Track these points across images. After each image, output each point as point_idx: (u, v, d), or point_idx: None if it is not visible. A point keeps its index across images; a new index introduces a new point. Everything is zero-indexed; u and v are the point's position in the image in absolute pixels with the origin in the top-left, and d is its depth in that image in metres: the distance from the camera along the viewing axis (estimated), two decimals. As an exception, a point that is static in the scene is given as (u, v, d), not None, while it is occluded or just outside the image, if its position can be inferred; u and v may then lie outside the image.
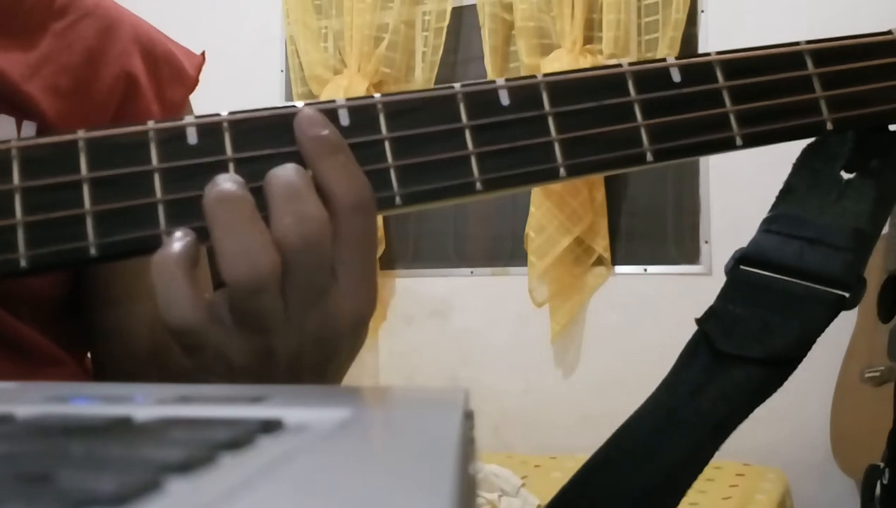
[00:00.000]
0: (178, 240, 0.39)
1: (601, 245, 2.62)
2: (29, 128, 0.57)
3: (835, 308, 0.50)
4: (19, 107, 0.57)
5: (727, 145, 0.48)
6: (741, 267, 0.52)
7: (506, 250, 2.82)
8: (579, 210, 2.59)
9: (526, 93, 0.46)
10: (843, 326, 2.23)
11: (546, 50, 2.68)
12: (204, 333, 0.39)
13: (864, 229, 0.50)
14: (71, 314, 0.63)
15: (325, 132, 0.41)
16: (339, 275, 0.40)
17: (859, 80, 0.50)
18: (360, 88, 2.78)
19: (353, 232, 0.40)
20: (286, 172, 0.40)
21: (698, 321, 0.52)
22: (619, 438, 0.52)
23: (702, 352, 0.51)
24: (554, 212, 2.60)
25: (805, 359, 0.50)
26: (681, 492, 0.51)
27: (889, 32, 0.52)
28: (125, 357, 0.65)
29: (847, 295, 0.50)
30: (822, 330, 0.50)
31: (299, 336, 0.40)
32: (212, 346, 0.39)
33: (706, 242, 2.59)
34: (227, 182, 0.39)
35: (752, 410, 0.50)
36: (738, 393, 0.50)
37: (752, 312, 0.50)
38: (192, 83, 0.67)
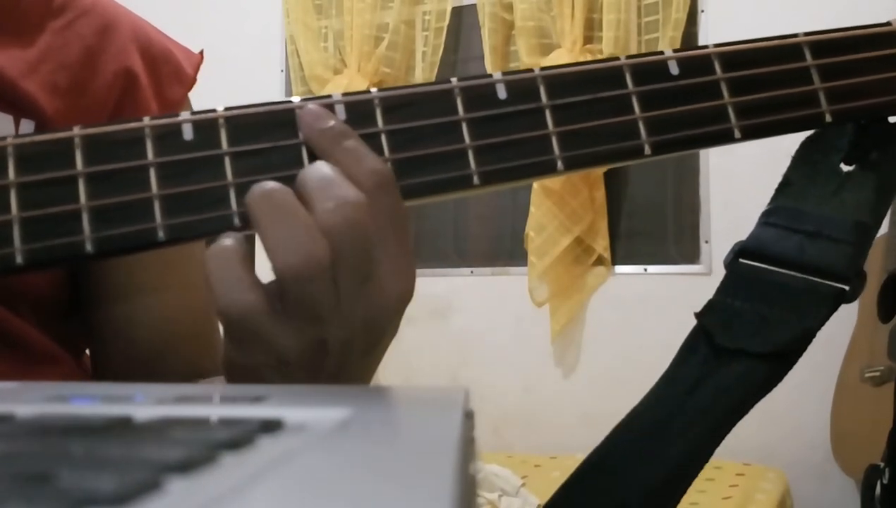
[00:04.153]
0: (232, 236, 0.39)
1: (601, 245, 2.62)
2: (27, 126, 0.57)
3: (835, 301, 0.49)
4: (17, 105, 0.57)
5: (726, 137, 0.47)
6: (740, 260, 0.51)
7: (506, 250, 2.82)
8: (579, 210, 2.59)
9: (523, 86, 0.46)
10: (843, 326, 2.23)
11: (546, 50, 2.68)
12: (260, 321, 0.38)
13: (863, 221, 0.49)
14: (70, 313, 0.63)
15: (332, 123, 0.42)
16: (379, 258, 0.40)
17: (858, 71, 0.49)
18: (360, 88, 2.74)
19: (382, 211, 0.40)
20: (318, 166, 0.40)
21: (697, 315, 0.51)
22: (619, 435, 0.51)
23: (701, 347, 0.50)
24: (554, 212, 2.60)
25: (805, 359, 0.50)
26: (682, 489, 0.50)
27: (888, 24, 0.51)
28: (124, 357, 0.64)
29: (847, 288, 0.49)
30: (822, 324, 0.49)
31: (350, 322, 0.40)
32: (265, 338, 0.39)
33: (706, 242, 2.59)
34: (268, 182, 0.40)
35: (752, 405, 0.49)
36: (737, 388, 0.49)
37: (752, 306, 0.50)
38: (191, 82, 0.67)
